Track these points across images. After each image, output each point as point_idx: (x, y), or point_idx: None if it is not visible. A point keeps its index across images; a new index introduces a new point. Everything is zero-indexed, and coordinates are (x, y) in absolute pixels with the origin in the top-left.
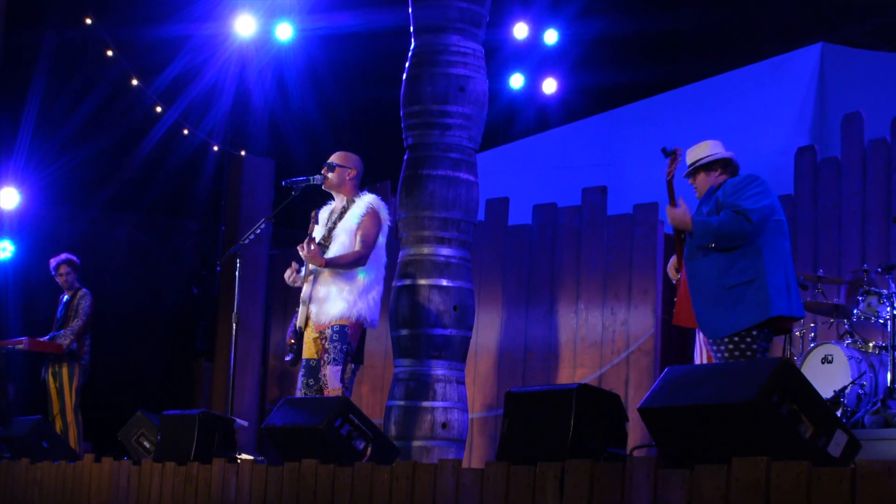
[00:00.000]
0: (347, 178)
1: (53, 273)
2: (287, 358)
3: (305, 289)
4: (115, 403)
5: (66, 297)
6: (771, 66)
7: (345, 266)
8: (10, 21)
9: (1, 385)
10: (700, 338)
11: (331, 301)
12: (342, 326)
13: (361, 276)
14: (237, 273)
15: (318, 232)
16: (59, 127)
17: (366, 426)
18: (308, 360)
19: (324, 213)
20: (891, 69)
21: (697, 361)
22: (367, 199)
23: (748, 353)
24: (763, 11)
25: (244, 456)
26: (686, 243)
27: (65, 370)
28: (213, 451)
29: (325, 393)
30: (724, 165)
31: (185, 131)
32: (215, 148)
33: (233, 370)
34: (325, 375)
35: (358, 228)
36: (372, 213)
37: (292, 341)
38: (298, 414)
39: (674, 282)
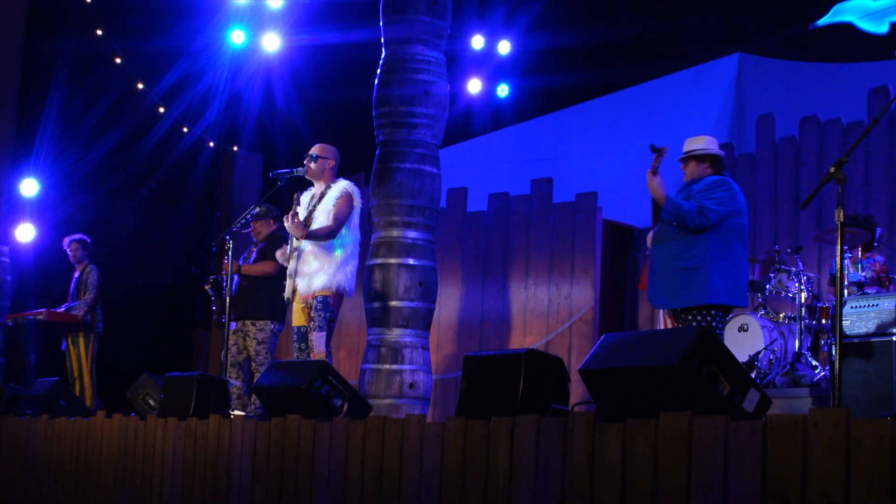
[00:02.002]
0: (327, 168)
1: (66, 249)
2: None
3: (291, 264)
4: (123, 367)
5: (77, 273)
6: (695, 72)
7: (320, 238)
8: (33, 33)
9: (23, 351)
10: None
11: (315, 275)
12: (325, 297)
13: (339, 252)
14: (230, 253)
15: (300, 214)
16: (74, 125)
17: (343, 386)
18: (299, 328)
19: (305, 198)
20: (800, 76)
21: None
22: (342, 185)
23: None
24: (688, 24)
25: (237, 412)
26: (657, 227)
27: (81, 339)
28: (209, 408)
29: (312, 356)
30: (713, 161)
31: (185, 129)
32: (210, 144)
33: (226, 337)
34: (311, 341)
35: (333, 208)
36: (346, 196)
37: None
38: (284, 375)
39: (647, 252)
